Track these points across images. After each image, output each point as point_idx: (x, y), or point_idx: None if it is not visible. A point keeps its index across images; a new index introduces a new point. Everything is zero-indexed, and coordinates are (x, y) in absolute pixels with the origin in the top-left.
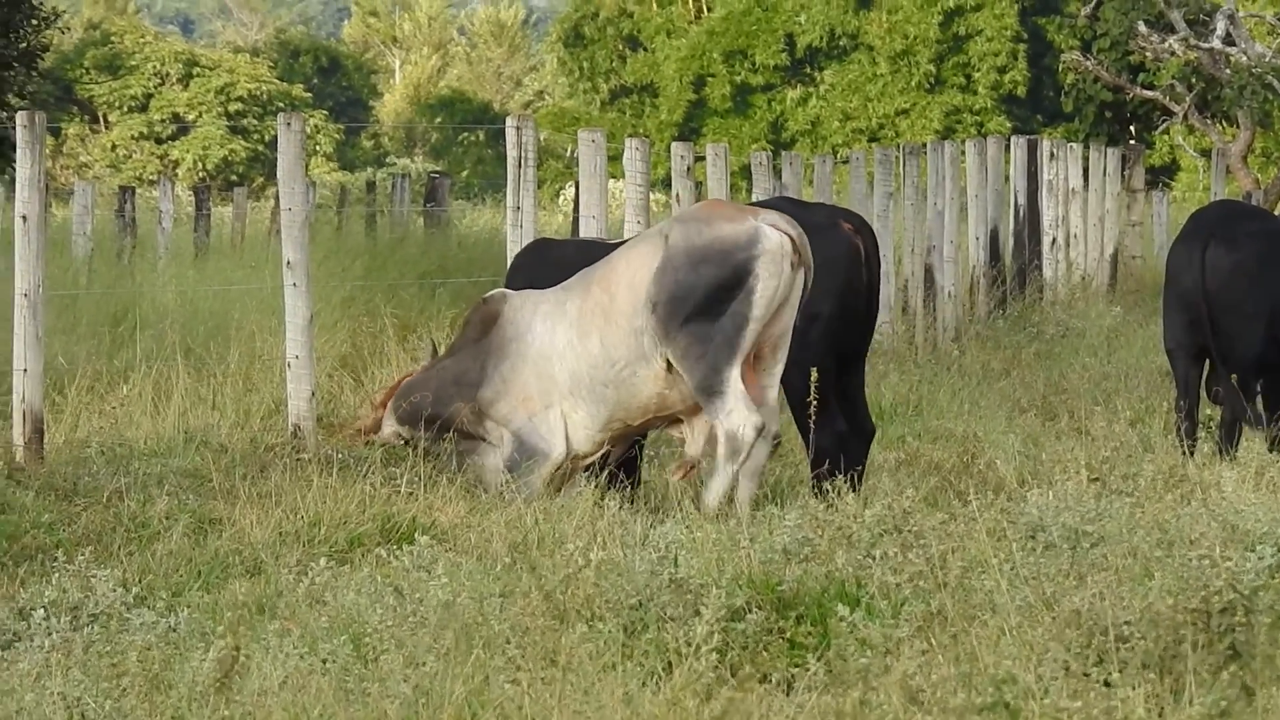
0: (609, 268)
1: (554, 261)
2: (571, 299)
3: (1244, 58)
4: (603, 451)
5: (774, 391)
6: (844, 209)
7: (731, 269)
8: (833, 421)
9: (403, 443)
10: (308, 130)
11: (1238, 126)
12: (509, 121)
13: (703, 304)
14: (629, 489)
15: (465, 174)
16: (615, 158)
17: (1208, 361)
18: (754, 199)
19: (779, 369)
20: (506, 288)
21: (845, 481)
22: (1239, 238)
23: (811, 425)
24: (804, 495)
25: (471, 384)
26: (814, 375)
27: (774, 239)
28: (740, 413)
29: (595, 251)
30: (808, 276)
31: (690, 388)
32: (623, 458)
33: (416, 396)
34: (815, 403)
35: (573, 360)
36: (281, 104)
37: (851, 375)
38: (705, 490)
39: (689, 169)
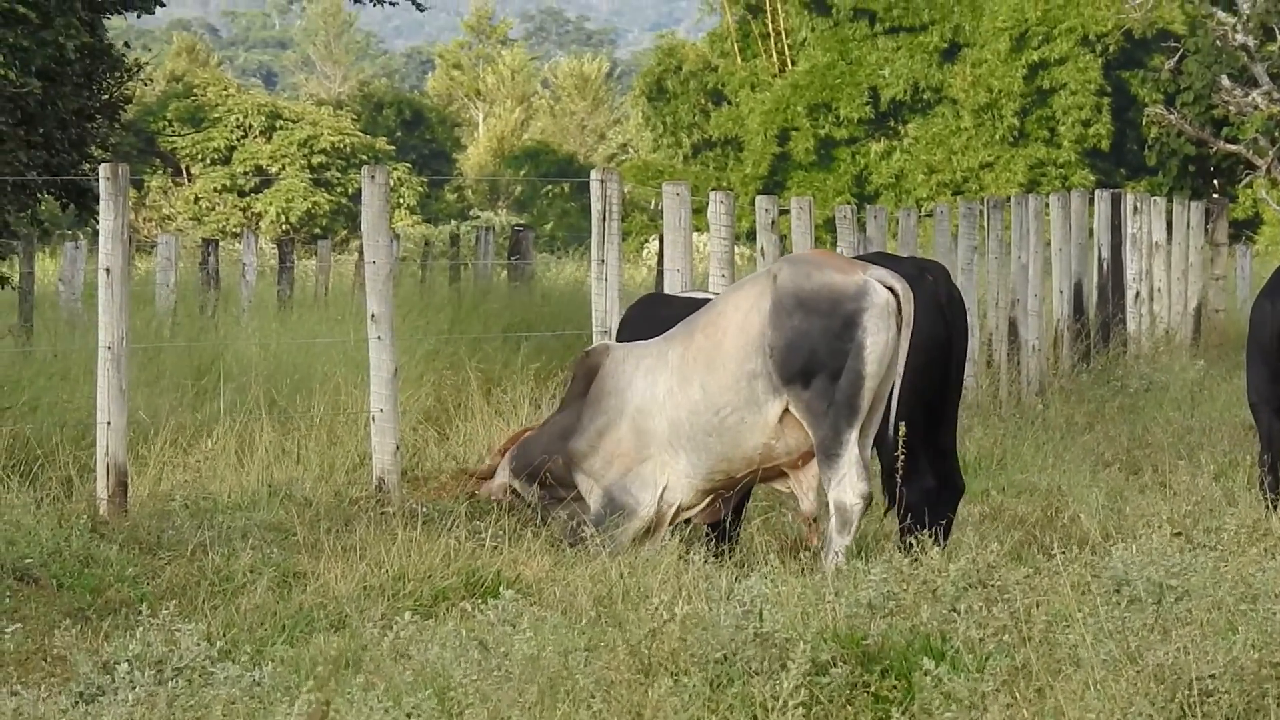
0: (715, 312)
1: (663, 317)
2: (674, 348)
3: None
4: (707, 503)
5: (868, 452)
6: (930, 261)
7: (841, 320)
8: (921, 478)
9: (514, 497)
10: (391, 183)
11: None
12: (594, 175)
13: (822, 355)
14: (717, 544)
15: (549, 227)
16: (699, 211)
17: None
18: (839, 252)
19: (874, 429)
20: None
21: (931, 536)
22: None
23: (899, 481)
24: (888, 549)
25: (569, 437)
26: (902, 430)
27: (882, 293)
28: (852, 483)
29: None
30: (907, 335)
31: (813, 444)
32: (712, 518)
33: (533, 452)
34: (903, 458)
35: (672, 409)
36: (365, 157)
37: (943, 429)
38: (824, 565)
39: (773, 222)
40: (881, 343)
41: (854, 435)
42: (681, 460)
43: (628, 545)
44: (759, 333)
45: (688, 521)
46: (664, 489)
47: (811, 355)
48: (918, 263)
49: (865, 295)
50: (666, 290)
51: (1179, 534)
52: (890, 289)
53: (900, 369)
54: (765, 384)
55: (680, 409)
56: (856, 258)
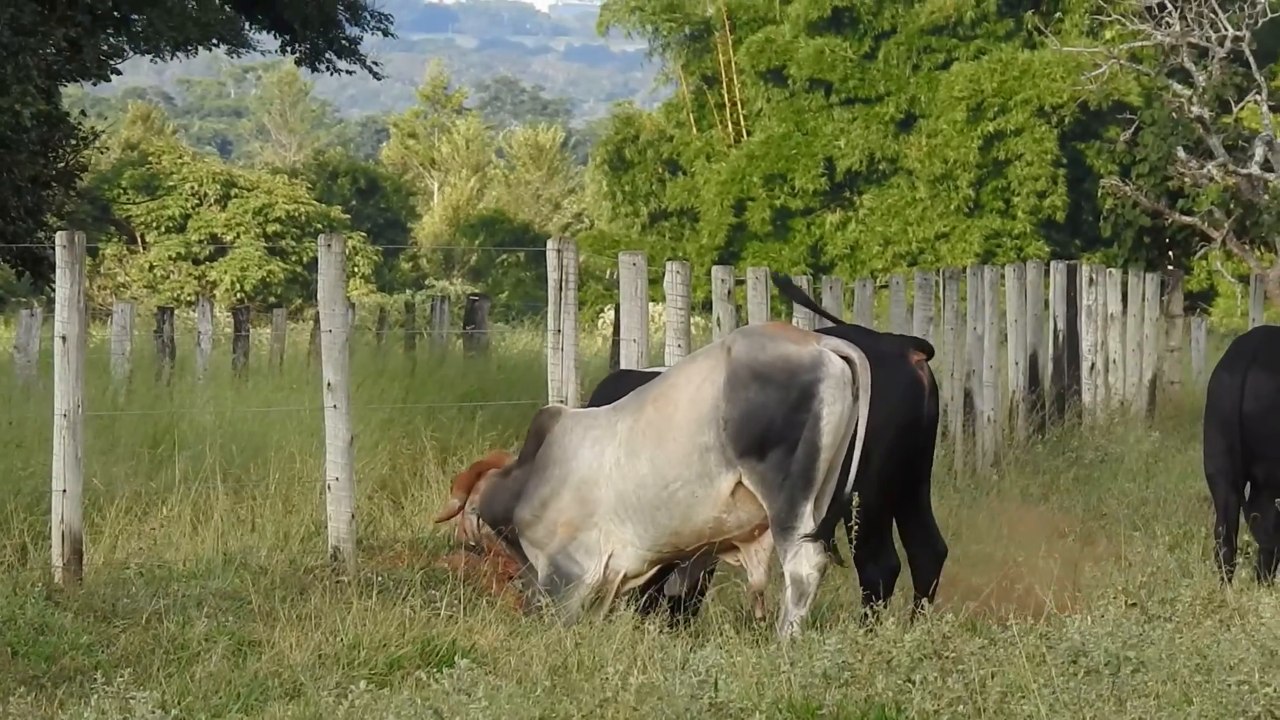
0: (667, 384)
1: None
2: (623, 419)
3: None
4: (655, 573)
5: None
6: (915, 338)
7: (798, 390)
8: (886, 555)
9: (488, 541)
10: (346, 252)
11: (1275, 252)
12: (550, 244)
13: (778, 426)
14: (673, 614)
15: (504, 296)
16: (655, 281)
17: (1248, 487)
18: (794, 323)
19: (827, 500)
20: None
21: (919, 601)
22: None
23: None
24: (844, 619)
25: (517, 502)
26: (856, 500)
27: (837, 364)
28: (808, 555)
29: None
30: (864, 406)
31: (768, 516)
32: (672, 591)
33: (500, 502)
34: (857, 532)
35: (619, 480)
36: (320, 225)
37: (919, 497)
38: (779, 635)
39: (730, 292)
40: (838, 413)
41: (809, 507)
42: (628, 530)
43: (577, 613)
44: (712, 405)
45: (643, 590)
46: (610, 556)
47: (768, 427)
48: (901, 341)
49: (821, 366)
50: (625, 364)
51: (1134, 605)
52: (846, 359)
53: (860, 439)
54: (718, 457)
55: (628, 481)
56: (825, 330)
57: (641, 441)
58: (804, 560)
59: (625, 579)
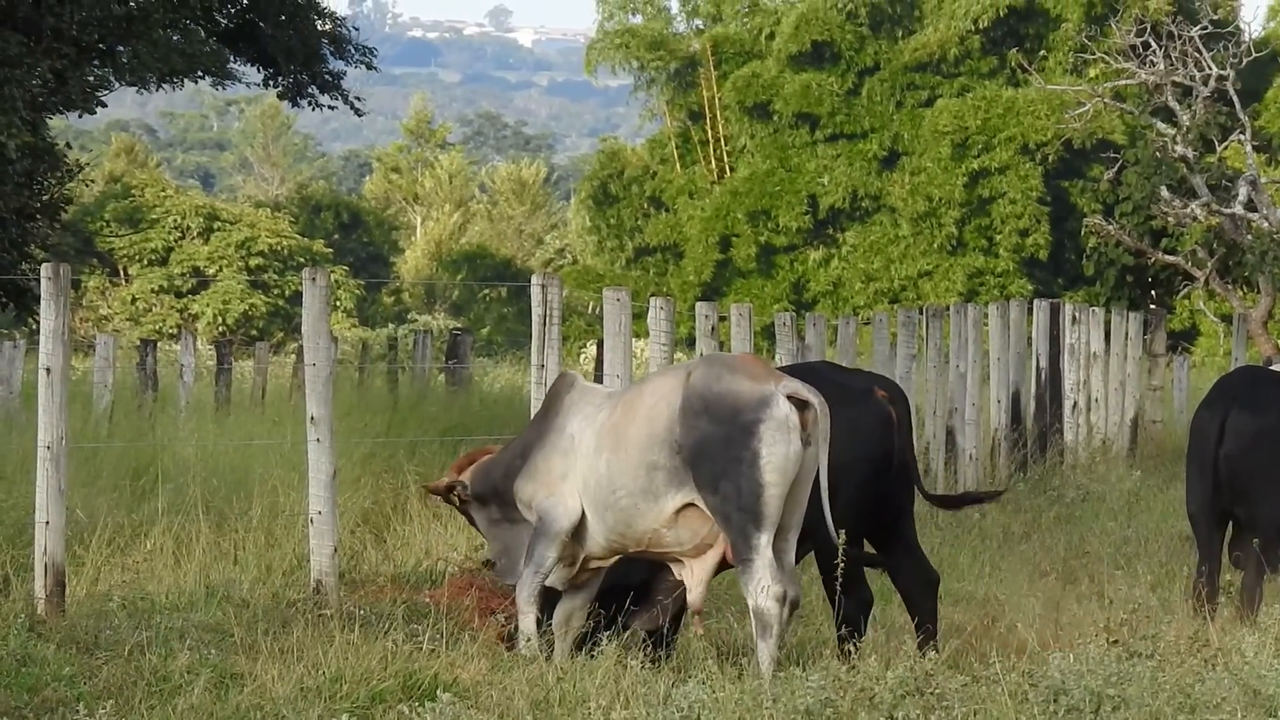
0: (633, 394)
1: None
2: (604, 409)
3: (1265, 223)
4: (613, 562)
5: (791, 556)
6: (880, 376)
7: (738, 429)
8: (859, 589)
9: (461, 507)
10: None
11: (1259, 292)
12: (534, 280)
13: (721, 461)
14: (654, 650)
15: (486, 331)
16: (639, 316)
17: (1230, 525)
18: (778, 360)
19: (793, 535)
20: None
21: (917, 635)
22: (1263, 403)
23: (839, 592)
24: (826, 656)
25: (522, 458)
26: (842, 537)
27: (781, 409)
28: (766, 586)
29: None
30: (823, 448)
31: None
32: (650, 625)
33: (494, 474)
34: (841, 570)
35: (584, 467)
36: (302, 259)
37: (901, 530)
38: (761, 670)
39: (713, 329)
40: (779, 454)
41: (764, 539)
42: (589, 514)
43: (547, 563)
44: (666, 426)
45: (625, 626)
46: (576, 523)
47: (713, 460)
48: (867, 377)
49: (765, 407)
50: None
51: (1116, 643)
52: (800, 401)
53: (824, 479)
54: (666, 476)
55: (590, 472)
56: (794, 366)
57: (604, 440)
58: (762, 592)
59: (588, 558)
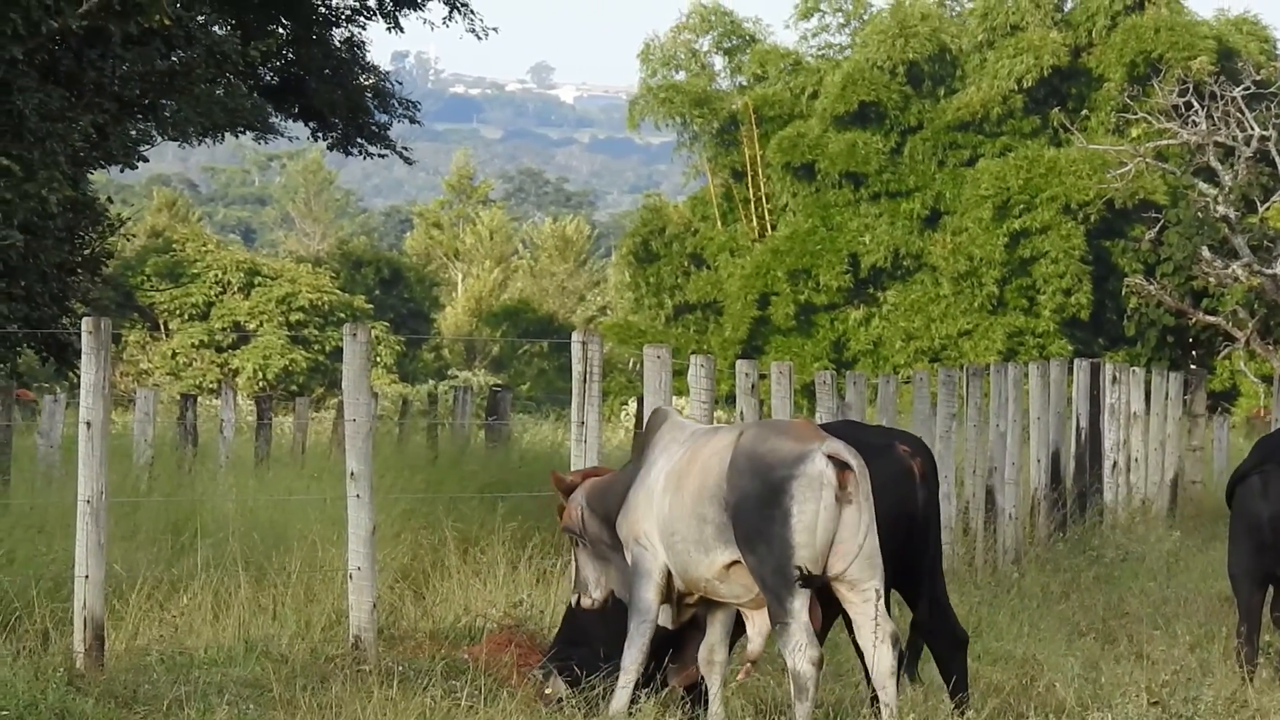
0: (698, 444)
1: None
2: (681, 451)
3: None
4: (691, 606)
5: (872, 607)
6: (902, 431)
7: (771, 486)
8: (954, 628)
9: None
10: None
11: None
12: (575, 336)
13: (755, 520)
14: (693, 707)
15: (526, 387)
16: (680, 373)
17: (1271, 587)
18: (818, 418)
19: (867, 586)
20: None
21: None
22: None
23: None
24: (864, 714)
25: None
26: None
27: (816, 466)
28: (804, 650)
29: None
30: (865, 507)
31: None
32: (688, 681)
33: (611, 498)
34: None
35: (656, 505)
36: (343, 314)
37: (932, 586)
38: None
39: (753, 386)
40: (810, 512)
41: (798, 604)
42: (661, 549)
43: (650, 607)
44: (716, 483)
45: (664, 683)
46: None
47: (750, 517)
48: (887, 432)
49: (800, 464)
50: None
51: (1156, 703)
52: (838, 463)
53: (860, 542)
54: (715, 532)
55: (659, 511)
56: (823, 426)
57: (670, 482)
58: (800, 655)
59: (681, 596)
